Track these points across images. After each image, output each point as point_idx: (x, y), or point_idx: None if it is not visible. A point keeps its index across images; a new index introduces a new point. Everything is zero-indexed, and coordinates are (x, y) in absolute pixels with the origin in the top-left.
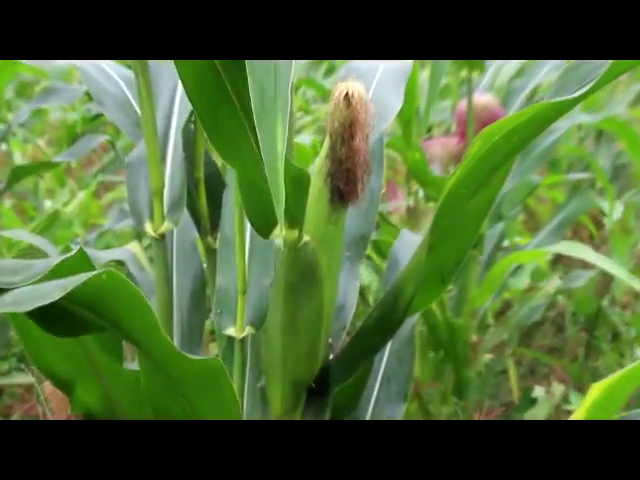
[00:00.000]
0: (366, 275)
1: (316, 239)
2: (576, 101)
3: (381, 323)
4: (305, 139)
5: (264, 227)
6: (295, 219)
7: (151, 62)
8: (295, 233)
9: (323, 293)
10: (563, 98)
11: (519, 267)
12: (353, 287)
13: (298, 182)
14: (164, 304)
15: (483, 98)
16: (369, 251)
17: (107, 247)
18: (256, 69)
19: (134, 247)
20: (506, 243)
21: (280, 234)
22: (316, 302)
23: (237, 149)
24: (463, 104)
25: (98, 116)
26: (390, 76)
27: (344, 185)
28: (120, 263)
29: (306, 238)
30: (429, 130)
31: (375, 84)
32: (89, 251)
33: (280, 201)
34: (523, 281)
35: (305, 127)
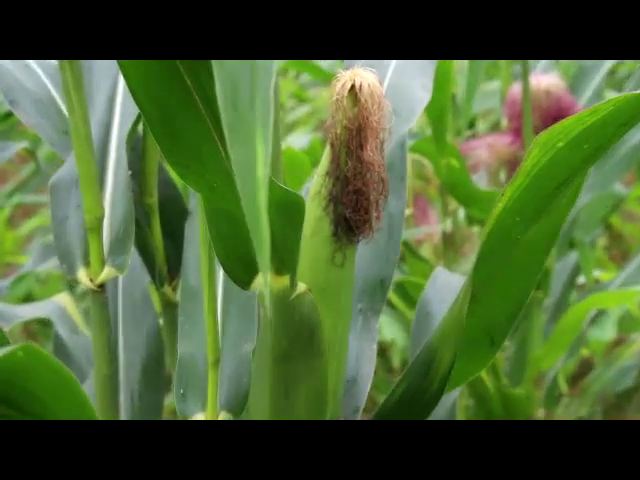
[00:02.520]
0: (389, 328)
1: (315, 288)
2: None
3: (409, 401)
4: (301, 140)
5: (242, 274)
6: (285, 262)
7: None
8: (285, 281)
9: (327, 363)
10: None
11: (601, 313)
12: (369, 352)
13: (288, 210)
14: (106, 380)
15: (544, 80)
16: (392, 296)
17: (28, 297)
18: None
19: (64, 299)
20: (582, 280)
21: (265, 283)
22: (317, 376)
23: (202, 167)
24: (517, 89)
25: (13, 114)
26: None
27: (352, 213)
28: (46, 322)
29: (301, 287)
30: (471, 125)
31: (392, 71)
32: (1, 306)
33: (263, 245)
34: (608, 333)
35: (301, 121)
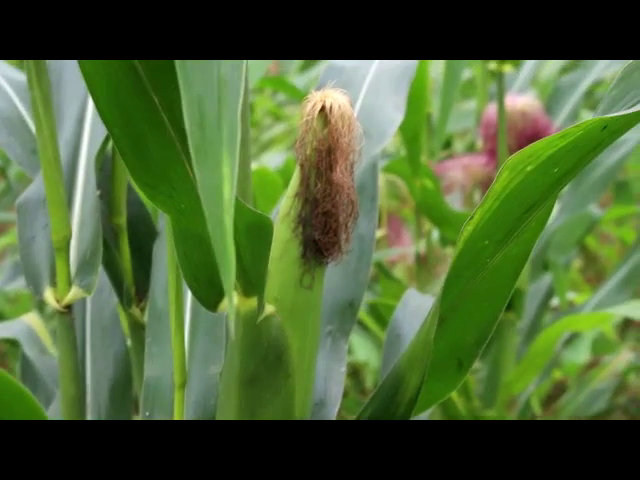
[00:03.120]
0: (362, 349)
1: (283, 310)
2: None
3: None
4: (275, 159)
5: (209, 296)
6: (253, 284)
7: (52, 63)
8: (253, 303)
9: (294, 385)
10: (625, 112)
11: (575, 335)
12: (337, 374)
13: (256, 232)
14: (73, 402)
15: (520, 101)
16: (365, 317)
17: None
18: (191, 78)
19: (32, 320)
20: (556, 302)
21: (230, 305)
22: (284, 399)
23: (170, 187)
24: (492, 109)
25: None
26: (386, 77)
27: (321, 235)
28: (13, 342)
29: (269, 310)
30: (447, 145)
31: (366, 89)
32: None
33: (229, 267)
34: (581, 355)
35: (276, 140)
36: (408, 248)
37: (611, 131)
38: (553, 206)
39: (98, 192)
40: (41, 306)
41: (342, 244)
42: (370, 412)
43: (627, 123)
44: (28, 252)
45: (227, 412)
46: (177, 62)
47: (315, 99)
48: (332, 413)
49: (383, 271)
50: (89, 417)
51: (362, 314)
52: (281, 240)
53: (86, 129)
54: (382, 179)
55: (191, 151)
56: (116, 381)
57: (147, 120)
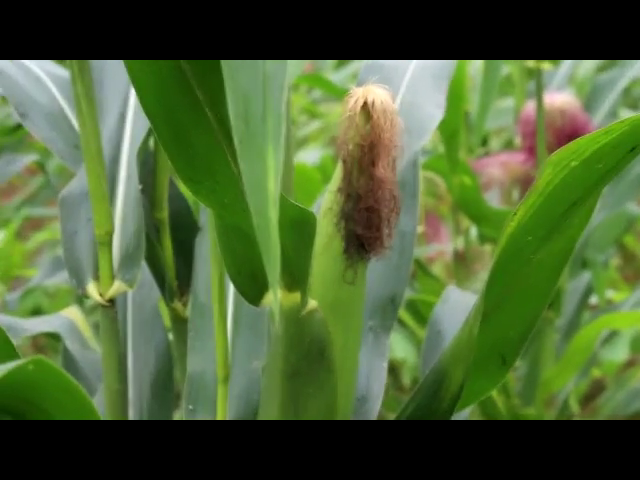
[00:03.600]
0: (400, 346)
1: (326, 306)
2: None
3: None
4: (312, 155)
5: (252, 290)
6: (296, 279)
7: (95, 60)
8: (296, 298)
9: (336, 381)
10: None
11: (614, 334)
12: (379, 370)
13: (299, 227)
14: (116, 396)
15: (559, 98)
16: (403, 314)
17: (36, 311)
18: (236, 74)
19: (73, 314)
20: (595, 300)
21: (275, 300)
22: (327, 394)
23: (213, 182)
24: (530, 107)
25: (22, 126)
26: (426, 74)
27: (363, 230)
28: (54, 336)
29: (312, 304)
30: (484, 143)
31: (405, 87)
32: (10, 320)
33: (273, 261)
34: (620, 354)
35: (312, 137)
36: (446, 245)
37: None
38: (596, 202)
39: (140, 187)
40: (80, 301)
41: (384, 239)
42: (413, 408)
43: None
44: (71, 246)
45: (270, 407)
46: (223, 63)
47: (357, 95)
48: (374, 409)
49: (421, 268)
50: (131, 411)
51: (400, 311)
52: (323, 235)
53: (128, 124)
54: (420, 175)
55: (236, 144)
56: (158, 375)
57: (191, 115)
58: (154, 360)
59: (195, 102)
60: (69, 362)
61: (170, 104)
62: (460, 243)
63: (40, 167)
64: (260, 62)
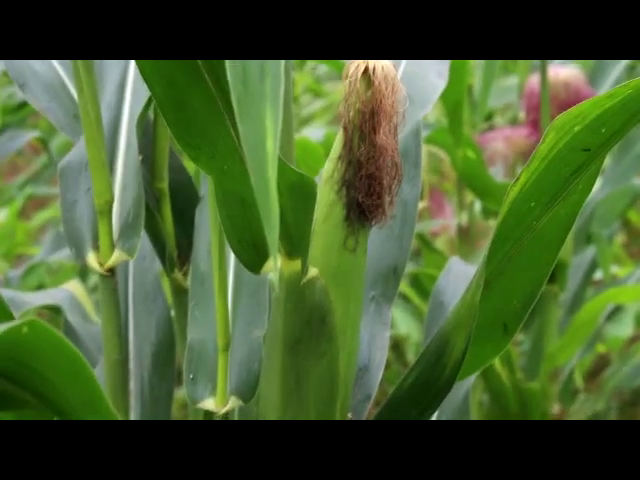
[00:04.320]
0: (404, 322)
1: (327, 273)
2: None
3: (420, 389)
4: (315, 133)
5: (253, 258)
6: (296, 246)
7: None
8: (297, 265)
9: (338, 349)
10: None
11: (619, 309)
12: (381, 339)
13: (300, 194)
14: (116, 366)
15: (563, 72)
16: (408, 289)
17: (40, 286)
18: None
19: (74, 287)
20: (599, 275)
21: (274, 262)
22: (328, 362)
23: (213, 148)
24: (535, 81)
25: (25, 104)
26: None
27: (365, 197)
28: (55, 309)
29: (312, 272)
30: (488, 118)
31: None
32: (11, 293)
33: (272, 222)
34: (625, 329)
35: (316, 115)
36: (450, 220)
37: None
38: (599, 169)
39: (140, 156)
40: (84, 277)
41: (386, 207)
42: (415, 375)
43: None
44: (70, 216)
45: (271, 376)
46: None
47: (358, 61)
48: (376, 378)
49: (425, 243)
50: (132, 383)
51: (404, 286)
52: (324, 203)
53: (128, 93)
54: (424, 151)
55: (234, 105)
56: (159, 346)
57: (189, 79)
58: (155, 331)
59: (195, 66)
60: (70, 334)
61: (169, 69)
62: (464, 218)
63: (43, 145)
64: None
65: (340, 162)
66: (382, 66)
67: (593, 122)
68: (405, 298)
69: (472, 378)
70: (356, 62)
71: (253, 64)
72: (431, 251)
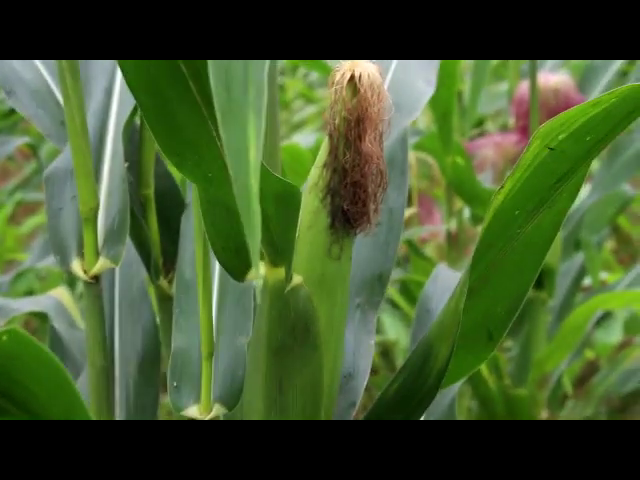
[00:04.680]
0: (393, 328)
1: (311, 281)
2: None
3: (405, 396)
4: (307, 139)
5: (237, 266)
6: (281, 253)
7: None
8: (281, 273)
9: (322, 357)
10: None
11: (607, 315)
12: (366, 347)
13: (284, 202)
14: (101, 373)
15: (553, 78)
16: (395, 295)
17: (29, 292)
18: None
19: (61, 294)
20: (588, 281)
21: (255, 269)
22: (312, 370)
23: (198, 156)
24: (524, 87)
25: (15, 111)
26: None
27: (350, 205)
28: (42, 316)
29: (297, 280)
30: (480, 124)
31: (395, 65)
32: None
33: (254, 230)
34: (614, 335)
35: (308, 121)
36: (439, 227)
37: None
38: (584, 176)
39: (126, 164)
40: (71, 285)
41: (371, 215)
42: (399, 382)
43: None
44: (56, 223)
45: (254, 382)
46: None
47: (344, 68)
48: (361, 385)
49: (414, 249)
50: (117, 390)
51: (393, 292)
52: (309, 210)
53: (114, 101)
54: (413, 158)
55: (217, 112)
56: (144, 354)
57: (175, 88)
58: (141, 339)
59: (179, 74)
60: (56, 341)
61: (154, 77)
62: (453, 225)
63: (33, 151)
64: None
65: (325, 170)
66: (368, 74)
67: (578, 130)
68: (394, 304)
69: (457, 385)
70: (342, 70)
71: (236, 71)
72: (419, 257)
